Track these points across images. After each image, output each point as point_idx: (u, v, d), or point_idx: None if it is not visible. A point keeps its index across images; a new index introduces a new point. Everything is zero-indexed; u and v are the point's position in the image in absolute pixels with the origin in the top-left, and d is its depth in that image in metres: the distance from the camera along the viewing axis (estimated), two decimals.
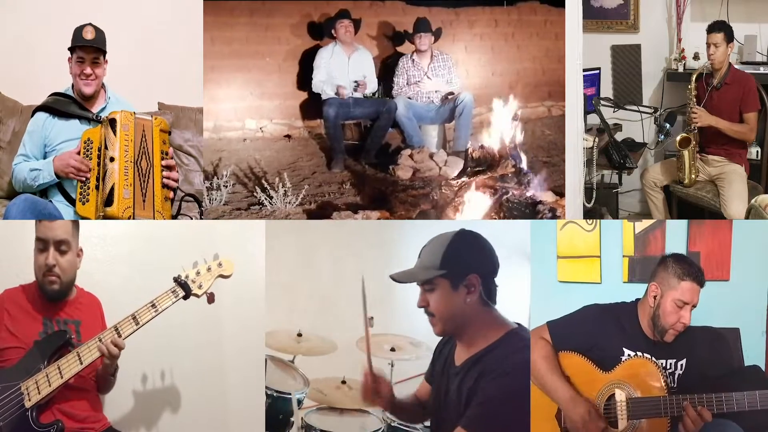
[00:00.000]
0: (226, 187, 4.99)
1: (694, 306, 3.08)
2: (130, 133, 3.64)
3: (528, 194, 4.12)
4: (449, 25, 6.34)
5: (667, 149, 6.01)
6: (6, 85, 4.80)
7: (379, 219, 4.41)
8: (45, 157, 3.86)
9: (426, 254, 2.76)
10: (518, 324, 2.79)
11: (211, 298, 3.25)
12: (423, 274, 2.73)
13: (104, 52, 3.88)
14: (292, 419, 3.74)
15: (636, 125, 6.26)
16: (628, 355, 3.14)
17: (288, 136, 6.34)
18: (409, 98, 5.78)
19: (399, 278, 2.78)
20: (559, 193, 4.48)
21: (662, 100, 6.38)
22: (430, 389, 3.02)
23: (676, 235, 3.66)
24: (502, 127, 4.22)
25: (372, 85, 5.88)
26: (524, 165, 4.21)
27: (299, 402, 3.77)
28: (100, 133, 3.66)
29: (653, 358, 3.08)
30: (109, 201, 3.57)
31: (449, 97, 5.79)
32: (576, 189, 4.22)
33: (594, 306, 3.30)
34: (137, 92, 4.42)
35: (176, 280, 3.19)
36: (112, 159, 3.60)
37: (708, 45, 5.16)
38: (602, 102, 5.36)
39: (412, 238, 4.00)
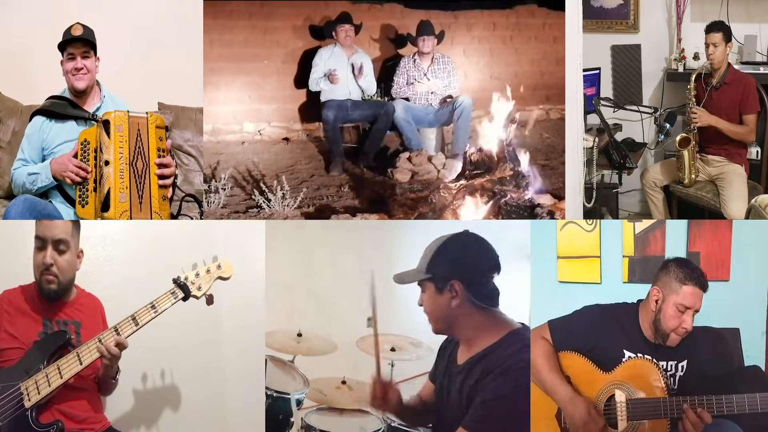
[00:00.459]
0: (225, 190, 4.99)
1: (696, 311, 3.06)
2: (125, 133, 3.63)
3: (526, 197, 4.12)
4: (447, 28, 6.34)
5: (667, 149, 6.01)
6: (6, 85, 4.80)
7: (375, 220, 4.41)
8: (44, 160, 3.86)
9: (422, 256, 2.82)
10: (522, 324, 2.81)
11: (210, 300, 3.25)
12: (412, 277, 2.81)
13: (94, 45, 3.88)
14: (292, 419, 3.74)
15: (636, 125, 6.26)
16: (629, 356, 3.13)
17: (286, 139, 6.35)
18: (408, 99, 5.79)
19: (395, 279, 2.85)
20: (558, 195, 4.48)
21: (662, 100, 6.38)
22: (434, 389, 3.03)
23: (676, 235, 3.66)
24: (500, 130, 4.21)
25: (371, 88, 5.89)
26: (522, 168, 4.21)
27: (299, 402, 3.76)
28: (96, 134, 3.65)
29: (654, 360, 3.07)
30: (105, 206, 3.56)
31: (448, 100, 5.80)
32: (576, 189, 4.22)
33: (595, 306, 3.29)
34: (137, 92, 4.42)
35: (175, 281, 3.19)
36: (107, 163, 3.58)
37: (707, 45, 5.16)
38: (602, 102, 5.36)
39: (411, 239, 4.01)
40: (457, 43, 6.58)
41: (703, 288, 3.07)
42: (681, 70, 6.27)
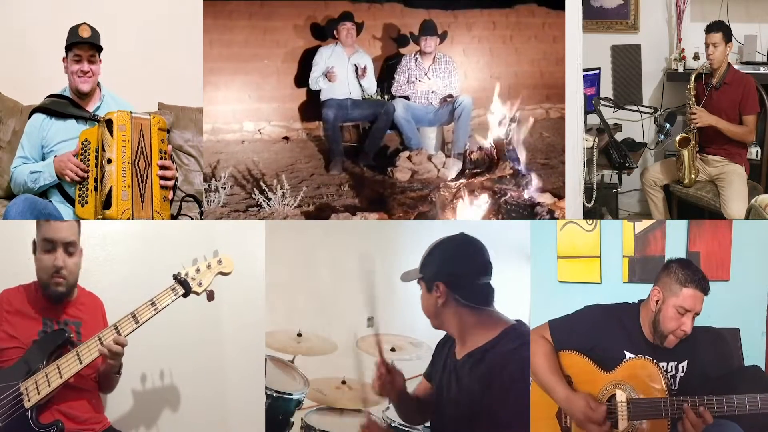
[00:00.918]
0: (225, 189, 4.98)
1: (696, 314, 3.06)
2: (127, 133, 3.63)
3: (526, 196, 4.12)
4: (447, 28, 6.34)
5: (667, 149, 6.01)
6: (6, 85, 4.79)
7: (375, 220, 4.41)
8: (43, 159, 3.86)
9: (422, 257, 2.92)
10: (517, 320, 2.84)
11: (210, 296, 3.23)
12: (411, 276, 2.93)
13: (100, 49, 3.88)
14: (292, 419, 3.74)
15: (636, 125, 6.26)
16: (629, 356, 3.13)
17: (286, 138, 6.35)
18: (408, 97, 5.79)
19: (402, 278, 2.97)
20: (557, 194, 4.49)
21: (662, 100, 6.38)
22: (429, 387, 3.06)
23: (676, 235, 3.66)
24: (500, 130, 4.21)
25: (371, 87, 5.89)
26: (522, 167, 4.21)
27: (299, 402, 3.76)
28: (97, 134, 3.65)
29: (654, 360, 3.07)
30: (107, 203, 3.56)
31: (448, 99, 5.80)
32: (576, 189, 4.22)
33: (596, 306, 3.29)
34: (137, 92, 4.41)
35: (176, 277, 3.17)
36: (109, 161, 3.58)
37: (707, 45, 5.16)
38: (602, 102, 5.36)
39: (411, 239, 4.01)
40: (456, 42, 6.58)
41: (704, 291, 3.06)
42: (681, 70, 6.27)
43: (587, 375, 3.15)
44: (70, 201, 3.75)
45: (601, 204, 5.43)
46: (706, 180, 5.36)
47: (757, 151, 5.66)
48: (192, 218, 4.19)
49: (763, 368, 3.41)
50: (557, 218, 3.99)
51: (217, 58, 5.95)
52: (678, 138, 5.22)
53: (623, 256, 3.73)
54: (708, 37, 5.15)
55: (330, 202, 5.03)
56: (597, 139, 5.10)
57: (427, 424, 3.44)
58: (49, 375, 2.91)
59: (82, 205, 3.62)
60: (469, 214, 3.98)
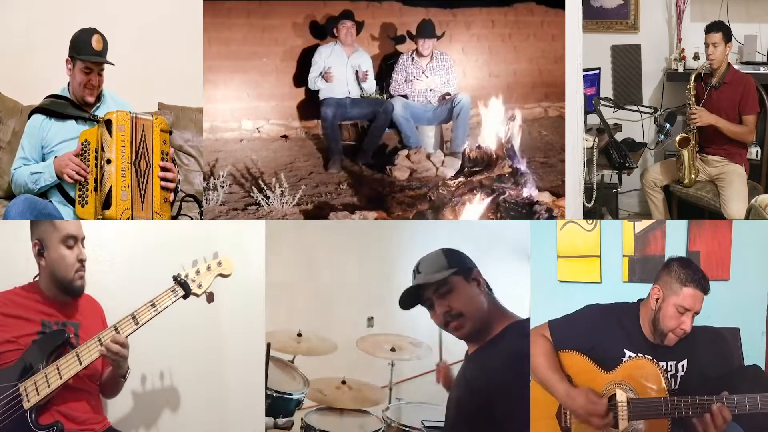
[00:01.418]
0: (223, 187, 4.98)
1: (696, 313, 3.07)
2: (126, 133, 3.62)
3: (524, 195, 4.12)
4: (446, 26, 6.35)
5: (667, 149, 6.01)
6: (6, 85, 4.78)
7: (376, 219, 4.41)
8: (44, 159, 3.85)
9: (426, 265, 2.87)
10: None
11: (210, 298, 3.23)
12: (437, 276, 2.81)
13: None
14: (292, 419, 3.74)
15: (636, 125, 6.26)
16: (629, 355, 3.13)
17: (285, 137, 6.34)
18: (407, 96, 5.78)
19: (411, 291, 2.87)
20: (556, 193, 4.49)
21: (662, 100, 6.37)
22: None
23: (676, 235, 3.66)
24: (498, 128, 4.21)
25: (371, 85, 5.88)
26: (521, 165, 4.21)
27: (299, 402, 3.76)
28: (97, 134, 3.64)
29: (654, 360, 3.07)
30: (107, 203, 3.56)
31: (446, 97, 5.79)
32: (576, 189, 4.22)
33: (596, 306, 3.30)
34: (137, 92, 4.40)
35: (176, 279, 3.17)
36: (108, 161, 3.58)
37: (706, 45, 5.16)
38: (602, 102, 5.36)
39: (411, 238, 4.01)
40: (455, 40, 6.58)
41: (704, 290, 3.06)
42: (681, 70, 6.27)
43: (587, 375, 3.15)
44: (70, 201, 3.75)
45: (601, 204, 5.44)
46: (706, 180, 5.36)
47: (757, 151, 5.66)
48: (192, 218, 4.18)
49: (763, 368, 3.41)
50: (556, 217, 3.99)
51: (216, 56, 5.94)
52: (678, 138, 5.22)
53: (623, 256, 3.73)
54: (708, 37, 5.15)
55: (329, 201, 5.02)
56: (597, 139, 5.10)
57: (428, 423, 3.46)
58: (48, 376, 2.90)
59: (82, 206, 3.62)
60: (468, 213, 3.98)
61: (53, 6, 4.87)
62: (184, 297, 3.16)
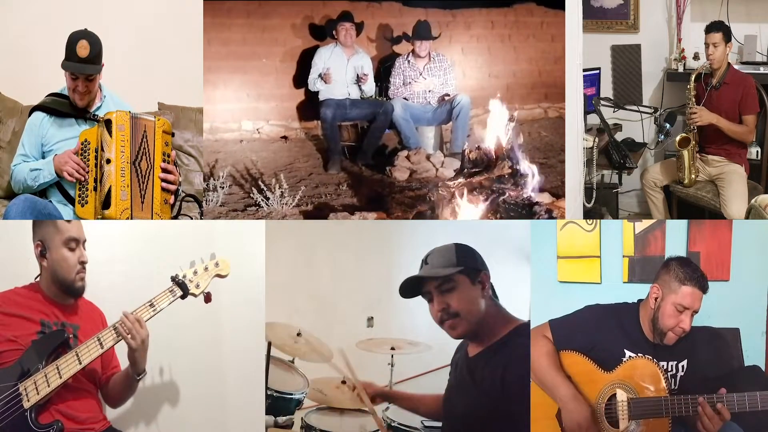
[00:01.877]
0: (223, 188, 4.98)
1: (695, 312, 3.08)
2: (126, 133, 3.62)
3: (524, 195, 4.12)
4: (446, 27, 6.35)
5: (667, 149, 6.01)
6: (6, 85, 4.79)
7: (376, 220, 4.41)
8: (43, 157, 3.85)
9: (436, 258, 2.84)
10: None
11: (208, 298, 3.24)
12: (442, 272, 2.79)
13: (100, 67, 3.83)
14: (292, 417, 3.74)
15: (636, 125, 6.25)
16: (630, 355, 3.13)
17: (285, 138, 6.34)
18: (406, 99, 5.78)
19: (413, 281, 2.84)
20: (556, 194, 4.49)
21: (662, 100, 6.37)
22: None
23: (676, 235, 3.66)
24: (498, 129, 4.21)
25: (370, 87, 5.88)
26: (521, 166, 4.21)
27: (299, 402, 3.76)
28: (97, 134, 3.65)
29: (654, 359, 3.07)
30: (106, 203, 3.57)
31: (446, 98, 5.79)
32: (576, 189, 4.22)
33: (596, 306, 3.30)
34: (137, 92, 4.40)
35: (174, 279, 3.18)
36: (108, 161, 3.58)
37: (706, 45, 5.16)
38: (602, 102, 5.36)
39: (411, 239, 4.01)
40: (455, 41, 6.59)
41: (703, 289, 3.07)
42: (681, 70, 6.27)
43: (587, 375, 3.15)
44: (70, 201, 3.75)
45: (601, 204, 5.43)
46: (706, 180, 5.36)
47: (757, 151, 5.66)
48: (192, 218, 4.18)
49: (763, 368, 3.41)
50: (555, 217, 3.99)
51: (215, 56, 5.94)
52: (678, 138, 5.22)
53: (623, 256, 3.73)
54: (708, 37, 5.15)
55: (328, 202, 5.03)
56: (597, 139, 5.10)
57: (428, 423, 3.45)
58: (48, 375, 2.90)
59: (82, 205, 3.62)
60: (468, 214, 3.98)
61: (53, 6, 4.88)
62: (182, 297, 3.17)
